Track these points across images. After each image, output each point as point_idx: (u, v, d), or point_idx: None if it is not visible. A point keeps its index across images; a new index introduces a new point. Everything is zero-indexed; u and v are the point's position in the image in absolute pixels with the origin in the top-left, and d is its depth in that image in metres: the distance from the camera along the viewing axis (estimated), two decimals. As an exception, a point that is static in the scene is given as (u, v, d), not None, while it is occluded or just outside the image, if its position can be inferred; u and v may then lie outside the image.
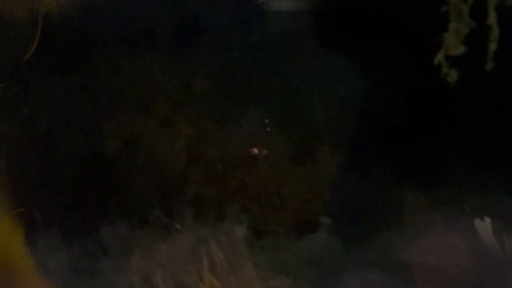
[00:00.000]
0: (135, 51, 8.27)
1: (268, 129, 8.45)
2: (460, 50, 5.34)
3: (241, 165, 8.42)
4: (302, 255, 7.53)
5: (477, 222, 6.71)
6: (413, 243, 6.89)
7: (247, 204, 8.01)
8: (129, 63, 8.24)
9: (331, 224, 7.73)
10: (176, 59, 8.34)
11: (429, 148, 7.57)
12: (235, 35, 8.49)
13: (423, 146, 7.63)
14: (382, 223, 7.68)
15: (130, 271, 7.00)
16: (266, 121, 8.51)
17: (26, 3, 8.08)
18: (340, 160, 8.27)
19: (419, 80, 7.70)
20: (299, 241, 7.82)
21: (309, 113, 8.38)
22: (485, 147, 7.33)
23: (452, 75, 5.41)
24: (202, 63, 8.39)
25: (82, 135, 8.01)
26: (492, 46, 5.18)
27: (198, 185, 8.17)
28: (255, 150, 7.91)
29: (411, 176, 7.49)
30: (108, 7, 8.38)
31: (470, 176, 7.19)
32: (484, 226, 6.62)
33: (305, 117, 8.32)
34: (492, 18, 5.22)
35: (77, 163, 7.97)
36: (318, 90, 8.53)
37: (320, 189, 8.32)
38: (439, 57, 5.39)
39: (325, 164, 8.27)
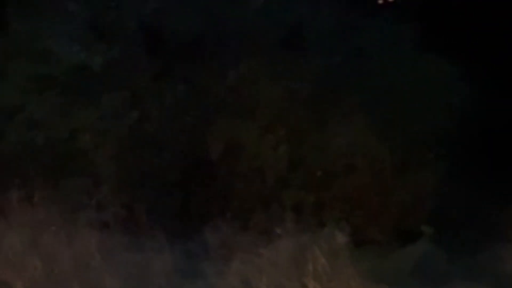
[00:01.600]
0: (240, 58, 8.35)
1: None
2: None
3: (342, 172, 8.35)
4: (404, 264, 7.41)
5: None
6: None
7: (348, 211, 7.95)
8: (234, 70, 8.34)
9: (434, 234, 7.57)
10: (279, 66, 8.37)
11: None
12: (338, 41, 8.46)
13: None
14: (488, 235, 7.45)
15: (231, 274, 7.07)
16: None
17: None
18: (445, 169, 8.11)
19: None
20: (400, 251, 7.70)
21: (413, 120, 8.26)
22: None
23: None
24: (306, 69, 8.40)
25: (187, 140, 8.17)
26: None
27: (299, 191, 8.18)
28: None
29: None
30: (214, 16, 8.51)
31: None
32: None
33: (408, 124, 8.22)
34: None
35: (181, 167, 8.12)
36: (422, 96, 8.40)
37: (423, 198, 8.17)
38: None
39: (429, 172, 8.13)
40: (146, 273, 7.00)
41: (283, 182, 8.25)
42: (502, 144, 8.30)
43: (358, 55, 8.54)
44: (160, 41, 8.70)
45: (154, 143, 8.26)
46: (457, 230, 7.83)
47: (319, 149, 8.30)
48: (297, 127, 8.31)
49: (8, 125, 8.35)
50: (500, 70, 8.57)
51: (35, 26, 8.78)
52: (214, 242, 7.39)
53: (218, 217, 7.66)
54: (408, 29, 8.59)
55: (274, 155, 8.23)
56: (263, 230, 7.38)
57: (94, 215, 7.38)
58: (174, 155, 8.27)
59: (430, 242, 7.60)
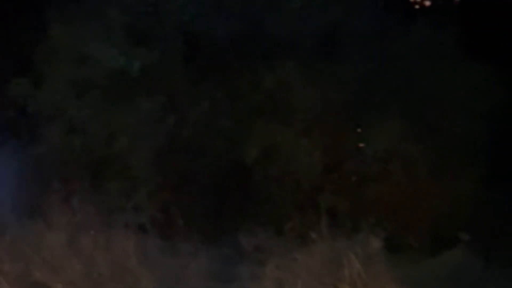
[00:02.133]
0: (276, 63, 8.37)
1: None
2: None
3: (377, 177, 8.31)
4: (439, 271, 7.35)
5: None
6: None
7: (383, 217, 7.91)
8: (270, 75, 8.37)
9: (470, 240, 7.49)
10: (315, 71, 8.37)
11: None
12: (375, 46, 8.42)
13: None
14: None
15: (265, 279, 7.08)
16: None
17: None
18: (482, 175, 8.01)
19: None
20: (436, 257, 7.64)
21: (449, 125, 8.19)
22: None
23: None
24: (342, 74, 8.38)
25: (223, 144, 8.22)
26: None
27: (334, 196, 8.16)
28: None
29: None
30: (251, 22, 8.54)
31: None
32: None
33: (445, 129, 8.16)
34: None
35: (217, 171, 8.18)
36: (459, 101, 8.31)
37: (460, 204, 8.09)
38: None
39: (466, 178, 8.05)
40: (182, 276, 7.05)
41: (318, 187, 8.24)
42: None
43: (395, 61, 8.50)
44: (197, 46, 8.76)
45: (190, 147, 8.32)
46: (493, 237, 7.74)
47: (355, 154, 8.29)
48: (333, 132, 8.31)
49: (48, 129, 8.56)
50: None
51: (75, 31, 8.90)
52: (249, 246, 7.40)
53: (253, 221, 7.68)
54: (445, 34, 8.52)
55: (309, 160, 8.24)
56: (298, 235, 7.37)
57: (131, 218, 7.47)
58: (210, 159, 8.32)
59: (466, 248, 7.53)
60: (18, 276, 6.83)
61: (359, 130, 8.37)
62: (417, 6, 9.84)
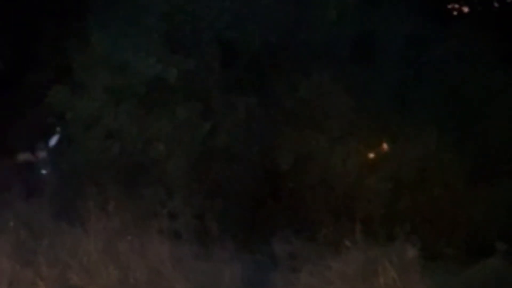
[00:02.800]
0: (311, 71, 8.37)
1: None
2: None
3: (413, 185, 8.24)
4: (475, 280, 7.24)
5: None
6: None
7: (418, 225, 7.83)
8: (305, 82, 8.37)
9: (508, 250, 7.36)
10: (351, 78, 8.33)
11: None
12: (411, 53, 8.36)
13: None
14: None
15: (299, 286, 7.07)
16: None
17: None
18: (519, 183, 7.88)
19: None
20: (472, 266, 7.52)
21: (486, 133, 8.07)
22: None
23: None
24: (377, 81, 8.34)
25: (258, 151, 8.25)
26: None
27: (368, 203, 8.11)
28: None
29: None
30: (286, 30, 8.55)
31: None
32: None
33: (483, 137, 8.04)
34: None
35: (252, 178, 8.21)
36: (498, 108, 8.19)
37: (497, 212, 7.96)
38: None
39: (502, 186, 7.92)
40: (216, 282, 7.07)
41: (352, 194, 8.21)
42: None
43: (431, 67, 8.43)
44: (233, 54, 8.81)
45: (225, 154, 8.36)
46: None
47: (390, 161, 8.24)
48: (367, 139, 8.27)
49: (86, 135, 8.68)
50: None
51: (114, 39, 9.03)
52: (283, 253, 7.40)
53: (287, 228, 7.67)
54: (483, 40, 8.42)
55: (343, 167, 8.21)
56: (332, 242, 7.34)
57: (166, 224, 7.54)
58: (245, 166, 8.36)
59: (503, 258, 7.40)
60: (55, 279, 6.93)
61: (396, 137, 8.32)
62: (454, 12, 9.76)
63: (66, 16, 10.36)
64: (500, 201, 8.00)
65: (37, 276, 6.93)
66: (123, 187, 8.06)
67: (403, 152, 8.20)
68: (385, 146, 8.25)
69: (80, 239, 7.27)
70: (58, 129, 9.11)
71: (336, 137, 8.25)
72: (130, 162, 8.38)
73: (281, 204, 8.21)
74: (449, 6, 9.88)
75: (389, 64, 8.40)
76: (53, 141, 9.43)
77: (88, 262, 7.04)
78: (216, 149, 8.33)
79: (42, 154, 9.21)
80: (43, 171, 9.01)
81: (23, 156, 9.48)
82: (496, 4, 9.80)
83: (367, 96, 8.24)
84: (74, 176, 8.40)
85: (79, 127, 8.61)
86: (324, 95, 8.29)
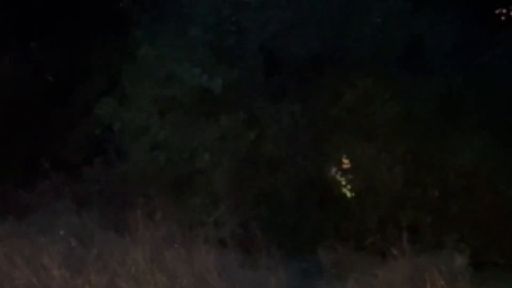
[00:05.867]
0: (357, 78, 8.33)
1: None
2: None
3: (461, 192, 8.10)
4: (526, 289, 7.07)
5: None
6: None
7: (468, 232, 7.69)
8: (350, 90, 8.33)
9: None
10: (397, 85, 8.25)
11: None
12: (459, 59, 8.23)
13: None
14: None
15: (345, 294, 7.03)
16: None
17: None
18: None
19: None
20: (522, 275, 7.35)
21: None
22: None
23: None
24: (424, 89, 8.23)
25: (302, 159, 8.24)
26: None
27: (416, 211, 8.01)
28: None
29: None
30: (331, 38, 8.52)
31: None
32: None
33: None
34: None
35: (297, 187, 8.20)
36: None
37: (547, 220, 7.76)
38: None
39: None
40: (260, 290, 7.08)
41: (399, 202, 8.13)
42: None
43: (480, 73, 8.30)
44: (277, 63, 8.84)
45: (270, 162, 8.38)
46: None
47: (437, 168, 8.13)
48: (414, 146, 8.18)
49: (132, 146, 8.82)
50: None
51: (160, 51, 9.16)
52: (329, 261, 7.37)
53: (333, 236, 7.65)
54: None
55: (390, 175, 8.14)
56: (379, 250, 7.28)
57: (212, 232, 7.59)
58: (290, 175, 8.36)
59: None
60: (104, 287, 7.06)
61: (443, 144, 8.20)
62: (502, 18, 9.61)
63: (114, 30, 10.57)
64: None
65: (86, 284, 7.06)
66: (170, 197, 8.17)
67: (451, 159, 8.08)
68: (431, 153, 8.14)
69: (128, 248, 7.38)
70: (106, 140, 9.28)
71: (383, 144, 8.18)
72: (176, 172, 8.47)
73: (326, 212, 8.17)
74: (497, 11, 9.73)
75: (436, 70, 8.30)
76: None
77: (136, 270, 7.13)
78: (261, 158, 8.36)
79: (91, 165, 9.38)
80: (93, 182, 9.17)
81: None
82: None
83: (414, 102, 8.16)
84: (122, 186, 8.53)
85: (126, 138, 8.77)
86: (369, 102, 8.25)
